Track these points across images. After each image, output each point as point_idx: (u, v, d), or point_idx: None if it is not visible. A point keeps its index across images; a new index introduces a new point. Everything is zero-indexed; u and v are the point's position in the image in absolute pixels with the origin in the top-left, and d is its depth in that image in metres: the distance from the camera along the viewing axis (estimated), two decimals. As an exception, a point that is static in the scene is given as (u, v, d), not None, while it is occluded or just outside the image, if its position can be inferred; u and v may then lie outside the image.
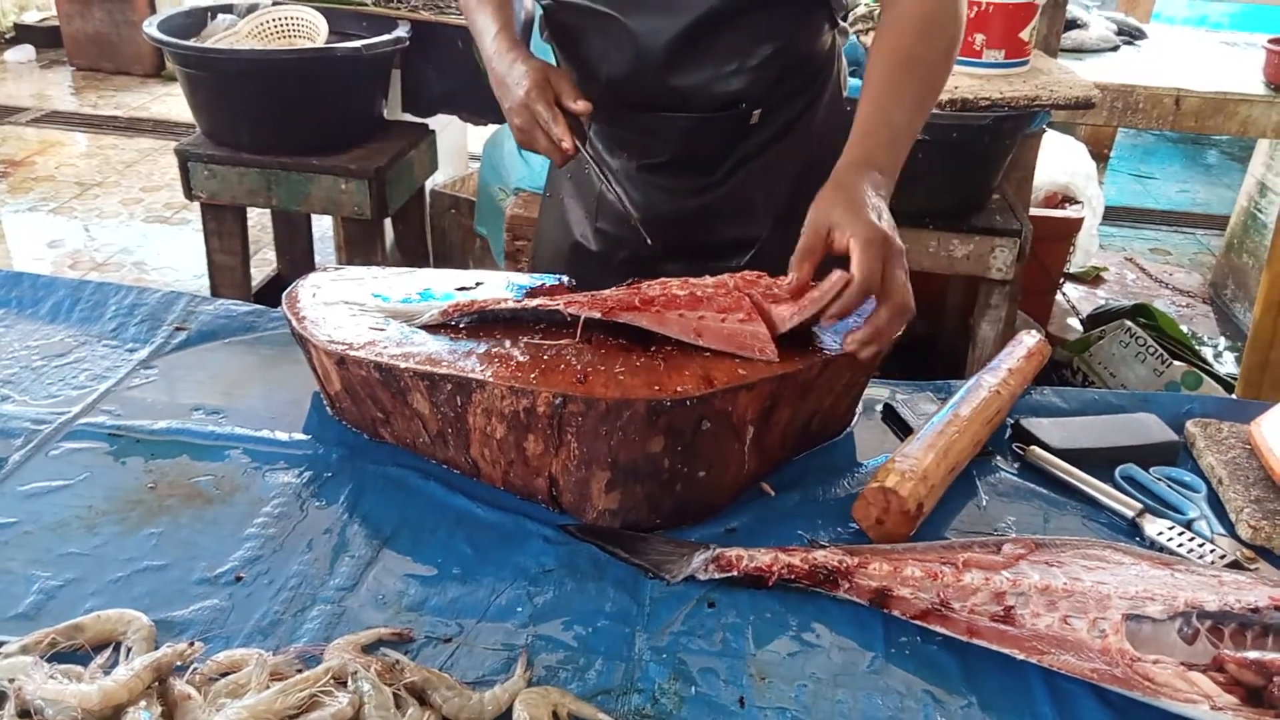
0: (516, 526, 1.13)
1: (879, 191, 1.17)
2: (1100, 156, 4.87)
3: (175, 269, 3.98)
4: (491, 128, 3.34)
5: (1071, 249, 3.64)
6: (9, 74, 6.27)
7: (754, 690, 0.93)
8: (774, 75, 1.41)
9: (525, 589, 1.04)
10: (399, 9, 3.06)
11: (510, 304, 1.23)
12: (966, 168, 2.55)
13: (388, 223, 3.14)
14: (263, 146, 2.83)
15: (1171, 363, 2.99)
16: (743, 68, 1.39)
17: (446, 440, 1.17)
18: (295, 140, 2.83)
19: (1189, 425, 1.34)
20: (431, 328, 1.21)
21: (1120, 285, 4.30)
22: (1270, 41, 2.77)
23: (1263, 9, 5.48)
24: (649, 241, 1.35)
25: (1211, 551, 1.12)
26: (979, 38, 2.33)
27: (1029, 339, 1.44)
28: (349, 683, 0.87)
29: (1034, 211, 3.04)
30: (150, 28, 2.82)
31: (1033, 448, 1.28)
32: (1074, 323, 3.57)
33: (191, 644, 0.89)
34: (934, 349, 3.25)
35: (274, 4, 3.11)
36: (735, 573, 1.04)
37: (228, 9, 3.09)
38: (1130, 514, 1.18)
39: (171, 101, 5.76)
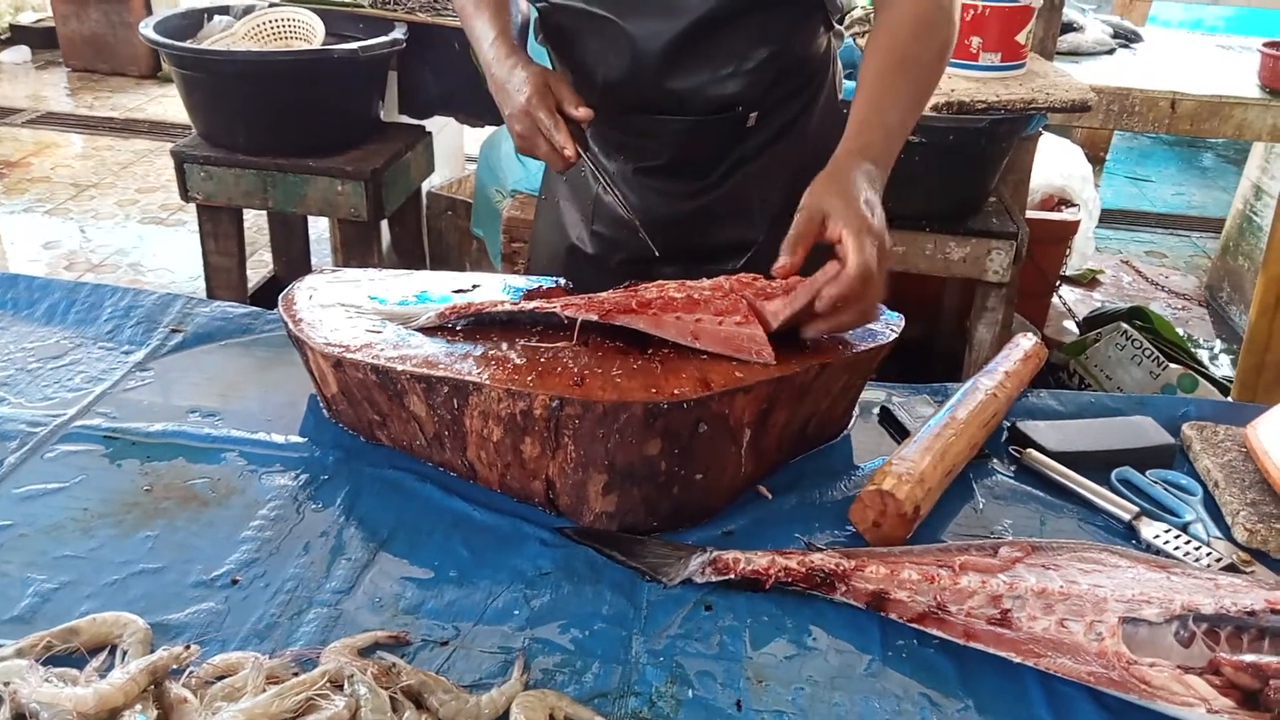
0: (513, 529, 1.12)
1: (873, 186, 1.18)
2: (1096, 159, 4.88)
3: (171, 271, 3.98)
4: (488, 130, 3.34)
5: (1068, 252, 3.65)
6: (4, 75, 6.26)
7: (751, 693, 0.93)
8: (770, 78, 1.41)
9: (522, 592, 1.04)
10: (395, 11, 3.05)
11: (507, 306, 1.22)
12: (963, 170, 2.56)
13: (384, 224, 3.13)
14: (259, 148, 2.82)
15: (1167, 365, 2.99)
16: (739, 71, 1.39)
17: (443, 443, 1.17)
18: (291, 142, 2.82)
19: (1185, 428, 1.34)
20: (428, 330, 1.21)
21: (1116, 288, 4.31)
22: (1265, 45, 2.78)
23: (1258, 12, 5.49)
24: (655, 252, 1.35)
25: (1208, 554, 1.12)
26: (975, 41, 2.33)
27: (1025, 342, 1.44)
28: (345, 686, 0.87)
29: (1030, 214, 3.05)
30: (146, 29, 2.82)
31: (1029, 450, 1.28)
32: (1070, 325, 3.58)
33: (187, 647, 0.89)
34: (930, 351, 3.25)
35: (270, 6, 3.11)
36: (732, 575, 1.04)
37: (224, 10, 3.09)
38: (1126, 517, 1.18)
39: (167, 103, 5.75)
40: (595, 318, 1.16)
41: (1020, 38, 2.37)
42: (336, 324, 1.23)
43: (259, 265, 3.73)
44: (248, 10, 3.08)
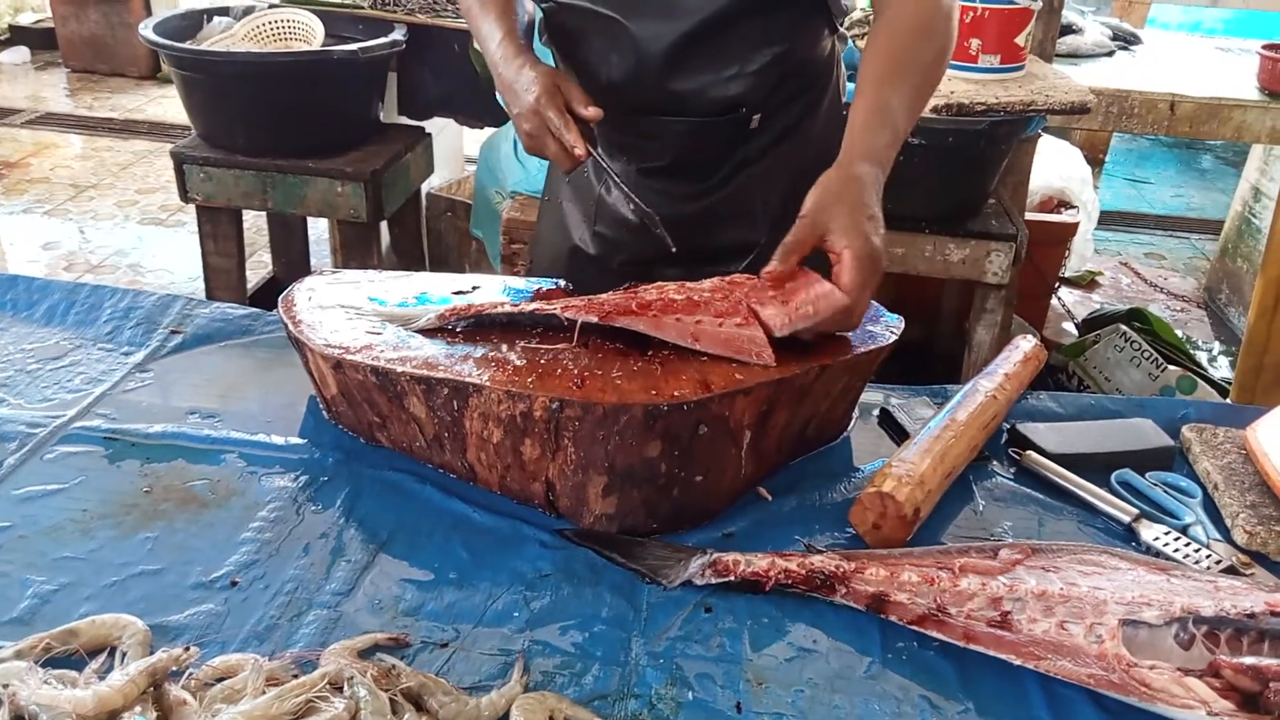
0: (513, 531, 1.12)
1: (877, 194, 1.19)
2: (1095, 161, 4.89)
3: (170, 271, 3.98)
4: (487, 131, 3.34)
5: (1067, 253, 3.65)
6: (4, 76, 6.26)
7: (751, 695, 0.93)
8: (773, 80, 1.42)
9: (522, 594, 1.04)
10: (395, 12, 3.05)
11: (507, 308, 1.22)
12: (962, 172, 2.56)
13: (384, 226, 3.13)
14: (258, 149, 2.82)
15: (1166, 367, 2.99)
16: (742, 72, 1.39)
17: (443, 444, 1.17)
18: (291, 143, 2.83)
19: (1184, 430, 1.34)
20: (428, 331, 1.21)
21: (1115, 290, 4.32)
22: (1264, 47, 2.79)
23: (1257, 15, 5.50)
24: (673, 248, 1.34)
25: (1207, 557, 1.12)
26: (975, 43, 2.34)
27: (1025, 343, 1.44)
28: (345, 688, 0.87)
29: (1029, 216, 3.05)
30: (146, 30, 2.82)
31: (1029, 452, 1.28)
32: (1069, 327, 3.58)
33: (187, 649, 0.89)
34: (930, 353, 3.25)
35: (270, 7, 3.11)
36: (732, 578, 1.04)
37: (223, 11, 3.09)
38: (1126, 519, 1.18)
39: (167, 104, 5.75)
40: (595, 319, 1.16)
41: (1019, 40, 2.37)
42: (336, 325, 1.23)
43: (258, 266, 3.73)
44: (247, 11, 3.08)
